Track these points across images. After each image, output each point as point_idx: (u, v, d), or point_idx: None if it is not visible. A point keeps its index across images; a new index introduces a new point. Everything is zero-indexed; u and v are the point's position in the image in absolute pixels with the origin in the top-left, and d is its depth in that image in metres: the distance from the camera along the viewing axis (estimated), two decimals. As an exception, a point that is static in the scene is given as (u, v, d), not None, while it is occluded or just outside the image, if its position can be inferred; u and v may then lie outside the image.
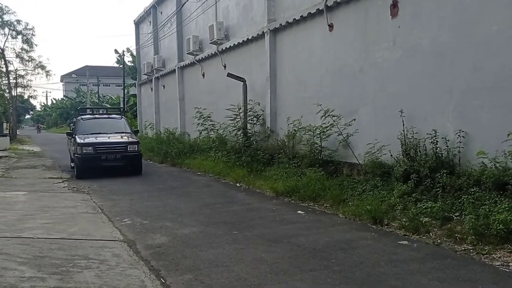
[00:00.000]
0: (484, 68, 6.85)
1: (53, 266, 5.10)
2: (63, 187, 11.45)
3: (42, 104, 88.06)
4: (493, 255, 5.08)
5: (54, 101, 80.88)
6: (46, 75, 39.41)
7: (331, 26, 10.24)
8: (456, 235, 5.73)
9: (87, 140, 13.38)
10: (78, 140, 13.48)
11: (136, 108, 29.44)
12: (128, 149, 13.47)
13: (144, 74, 25.93)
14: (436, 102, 7.67)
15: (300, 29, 11.49)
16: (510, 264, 4.81)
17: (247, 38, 14.01)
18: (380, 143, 8.45)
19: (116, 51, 36.47)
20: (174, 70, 21.07)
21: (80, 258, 5.45)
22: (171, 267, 5.14)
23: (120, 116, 16.18)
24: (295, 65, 11.83)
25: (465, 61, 7.14)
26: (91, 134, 13.90)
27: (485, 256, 5.10)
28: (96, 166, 13.11)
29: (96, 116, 16.41)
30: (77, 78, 66.89)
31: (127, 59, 34.67)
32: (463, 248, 5.41)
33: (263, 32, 12.98)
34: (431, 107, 7.76)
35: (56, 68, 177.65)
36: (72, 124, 17.76)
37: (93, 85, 60.96)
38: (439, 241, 5.76)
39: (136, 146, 13.69)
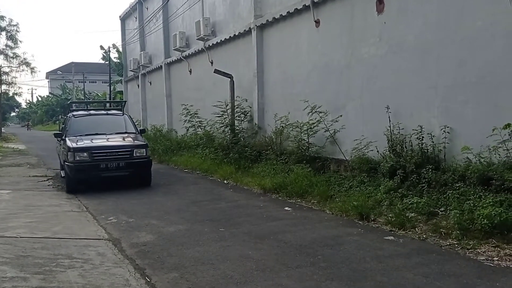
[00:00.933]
0: (468, 64, 6.90)
1: (36, 266, 5.02)
2: (47, 185, 11.30)
3: (28, 101, 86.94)
4: (478, 249, 5.12)
5: (40, 98, 79.87)
6: (31, 72, 38.86)
7: (317, 22, 10.23)
8: (441, 230, 5.77)
9: (80, 144, 10.41)
10: (69, 143, 10.44)
11: (122, 105, 29.18)
12: (134, 155, 10.49)
13: (131, 70, 25.70)
14: (421, 98, 7.71)
15: (287, 25, 11.46)
16: (495, 258, 4.85)
17: (234, 34, 13.94)
18: (367, 139, 8.47)
19: (101, 47, 36.06)
20: (161, 66, 20.90)
21: (63, 257, 5.37)
22: (157, 265, 5.09)
23: (121, 112, 13.02)
24: (282, 61, 11.80)
25: (450, 57, 7.18)
26: (86, 135, 10.96)
27: (469, 250, 5.14)
28: (93, 178, 10.36)
29: (91, 112, 13.05)
30: (62, 75, 66.11)
31: (113, 55, 34.36)
32: (448, 243, 5.44)
33: (249, 28, 12.92)
34: (417, 103, 7.80)
35: (41, 65, 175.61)
36: (59, 122, 16.69)
37: (79, 82, 60.33)
38: (424, 236, 5.79)
39: (144, 150, 10.74)
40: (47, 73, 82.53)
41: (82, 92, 56.93)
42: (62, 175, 11.35)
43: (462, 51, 7.00)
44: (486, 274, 4.46)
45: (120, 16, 27.31)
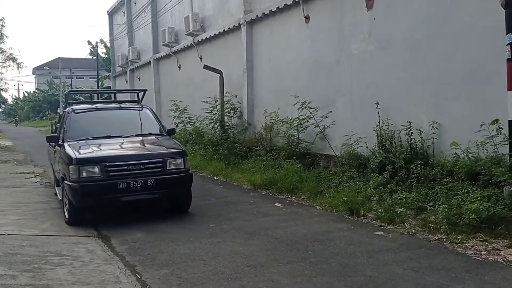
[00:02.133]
0: (457, 60, 6.96)
1: (25, 263, 4.98)
2: (35, 182, 11.16)
3: (14, 97, 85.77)
4: (466, 244, 5.18)
5: (26, 94, 78.83)
6: (18, 68, 38.22)
7: (307, 18, 10.23)
8: (430, 225, 5.83)
9: (87, 152, 6.99)
10: (70, 152, 6.97)
11: (111, 101, 28.97)
12: (168, 167, 7.07)
13: (119, 66, 25.49)
14: (410, 94, 7.77)
15: (277, 21, 11.44)
16: (483, 252, 4.91)
17: (223, 30, 13.89)
18: (357, 135, 8.51)
19: (89, 43, 35.77)
20: (150, 62, 20.77)
21: (52, 255, 5.33)
22: (147, 262, 5.07)
23: (140, 105, 9.16)
24: (272, 57, 11.79)
25: (439, 53, 7.24)
26: (94, 139, 7.55)
27: (458, 245, 5.20)
28: (108, 204, 7.10)
29: (99, 106, 9.06)
30: (49, 71, 65.35)
31: (101, 50, 34.11)
32: (436, 238, 5.50)
33: (239, 23, 12.88)
34: (406, 99, 7.85)
35: (27, 60, 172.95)
36: (48, 118, 14.07)
37: (66, 78, 59.62)
38: (413, 231, 5.84)
39: (182, 160, 7.27)
40: (33, 68, 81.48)
41: (69, 87, 56.34)
42: (59, 197, 7.93)
43: (450, 47, 7.06)
44: (474, 268, 4.51)
45: (108, 11, 27.05)
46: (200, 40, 15.51)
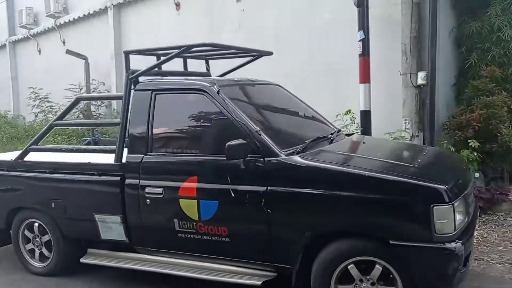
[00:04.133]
0: (319, 54, 7.41)
1: None
2: None
3: None
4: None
5: None
6: None
7: (178, 5, 10.02)
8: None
9: (414, 173, 3.46)
10: (395, 177, 3.23)
11: (-43, 88, 25.36)
12: None
13: (-34, 48, 22.38)
14: (277, 85, 8.05)
15: (146, 6, 11.02)
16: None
17: (89, 13, 12.96)
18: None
19: None
20: (5, 45, 18.52)
21: None
22: None
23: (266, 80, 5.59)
24: (143, 44, 11.26)
25: (303, 46, 7.63)
26: (308, 144, 3.83)
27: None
28: None
29: (238, 80, 4.97)
30: None
31: None
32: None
33: (105, 7, 12.14)
34: (273, 89, 8.12)
35: None
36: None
37: None
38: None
39: None
40: None
41: None
42: None
43: (313, 41, 7.48)
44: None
45: (-50, -16, 23.50)
46: (63, 22, 14.25)
